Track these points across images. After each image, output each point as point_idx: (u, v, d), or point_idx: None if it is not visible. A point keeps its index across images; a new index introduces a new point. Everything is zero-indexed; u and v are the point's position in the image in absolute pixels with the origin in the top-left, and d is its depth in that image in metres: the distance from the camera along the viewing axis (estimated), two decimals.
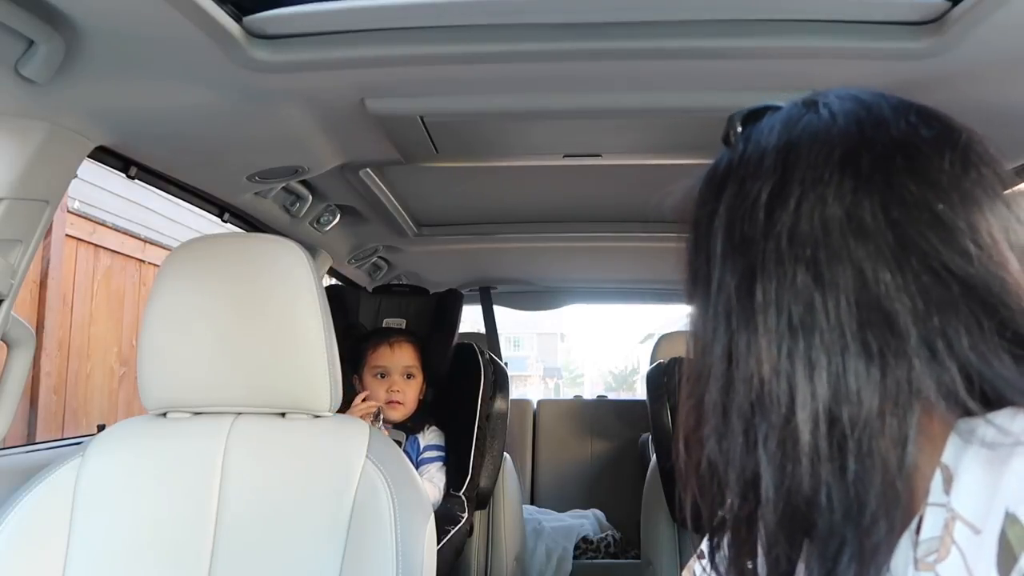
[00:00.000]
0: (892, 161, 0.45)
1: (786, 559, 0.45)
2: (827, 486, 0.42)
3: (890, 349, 0.42)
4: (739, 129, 0.52)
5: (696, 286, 0.51)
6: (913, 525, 0.43)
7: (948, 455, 0.42)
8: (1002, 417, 0.40)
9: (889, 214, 0.43)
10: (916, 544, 0.42)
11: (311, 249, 1.83)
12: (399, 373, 1.80)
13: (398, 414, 1.79)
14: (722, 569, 0.52)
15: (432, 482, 1.74)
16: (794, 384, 0.43)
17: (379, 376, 1.80)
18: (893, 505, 0.42)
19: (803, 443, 0.43)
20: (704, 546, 0.60)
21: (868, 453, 0.42)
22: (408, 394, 1.80)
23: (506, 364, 2.31)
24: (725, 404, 0.47)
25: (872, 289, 0.42)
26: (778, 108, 0.52)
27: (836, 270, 0.43)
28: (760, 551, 0.47)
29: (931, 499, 0.42)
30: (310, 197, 1.64)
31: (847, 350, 0.42)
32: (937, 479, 0.42)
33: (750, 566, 0.49)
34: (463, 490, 1.81)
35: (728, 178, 0.50)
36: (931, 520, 0.42)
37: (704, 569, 0.60)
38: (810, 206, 0.44)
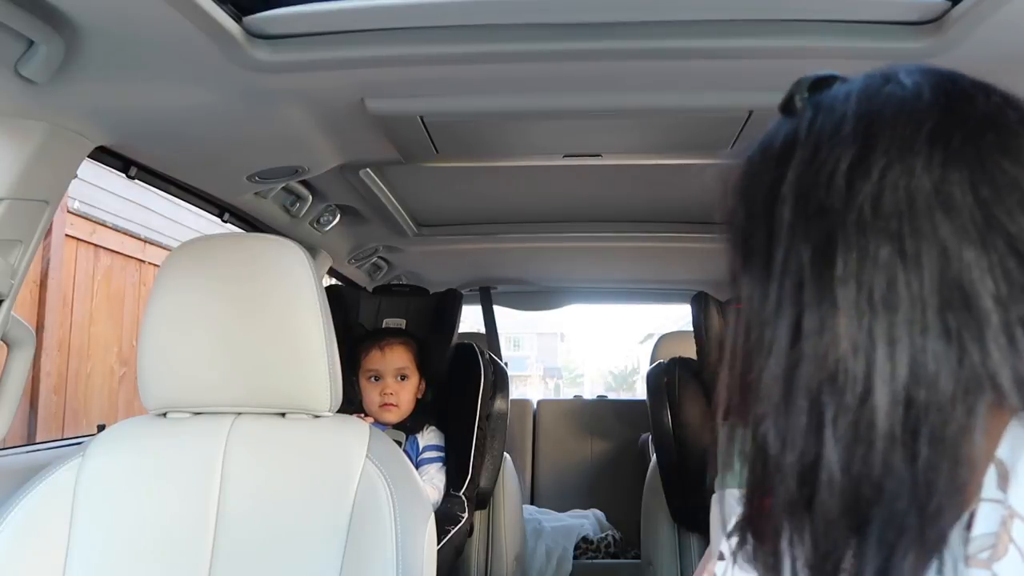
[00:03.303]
0: (983, 138, 0.43)
1: (843, 547, 0.43)
2: (898, 472, 0.41)
3: (969, 332, 0.41)
4: (806, 95, 0.50)
5: (751, 261, 0.48)
6: (964, 520, 0.42)
7: (1003, 450, 0.41)
8: None
9: (978, 192, 0.42)
10: (967, 540, 0.41)
11: (311, 249, 1.83)
12: (391, 375, 1.79)
13: (393, 416, 1.78)
14: (759, 561, 0.49)
15: (432, 483, 1.74)
16: (872, 363, 0.42)
17: (372, 379, 1.80)
18: (958, 495, 0.41)
19: (878, 425, 0.41)
20: (724, 548, 0.58)
21: (940, 440, 0.40)
22: (402, 396, 1.79)
23: (506, 364, 2.31)
24: (789, 382, 0.44)
25: (955, 268, 0.41)
26: (844, 79, 0.50)
27: (921, 245, 0.42)
28: (802, 540, 0.45)
29: (984, 494, 0.41)
30: (310, 197, 1.64)
31: (927, 331, 0.41)
32: (991, 474, 0.41)
33: (790, 557, 0.46)
34: (463, 490, 1.81)
35: (795, 146, 0.47)
36: (984, 516, 0.41)
37: (724, 572, 0.58)
38: (895, 177, 0.43)
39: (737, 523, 0.54)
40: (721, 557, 0.59)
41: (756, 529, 0.49)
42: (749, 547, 0.50)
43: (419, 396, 1.85)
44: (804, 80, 0.51)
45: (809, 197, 0.45)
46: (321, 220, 1.78)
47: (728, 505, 1.16)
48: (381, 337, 1.86)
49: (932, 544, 0.40)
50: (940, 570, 0.41)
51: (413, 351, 1.84)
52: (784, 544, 0.46)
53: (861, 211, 0.43)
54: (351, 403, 1.76)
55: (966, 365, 0.41)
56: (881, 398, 0.41)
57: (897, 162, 0.43)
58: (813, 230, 0.44)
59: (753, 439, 0.47)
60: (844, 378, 0.42)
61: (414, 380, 1.83)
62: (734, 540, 0.57)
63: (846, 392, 0.42)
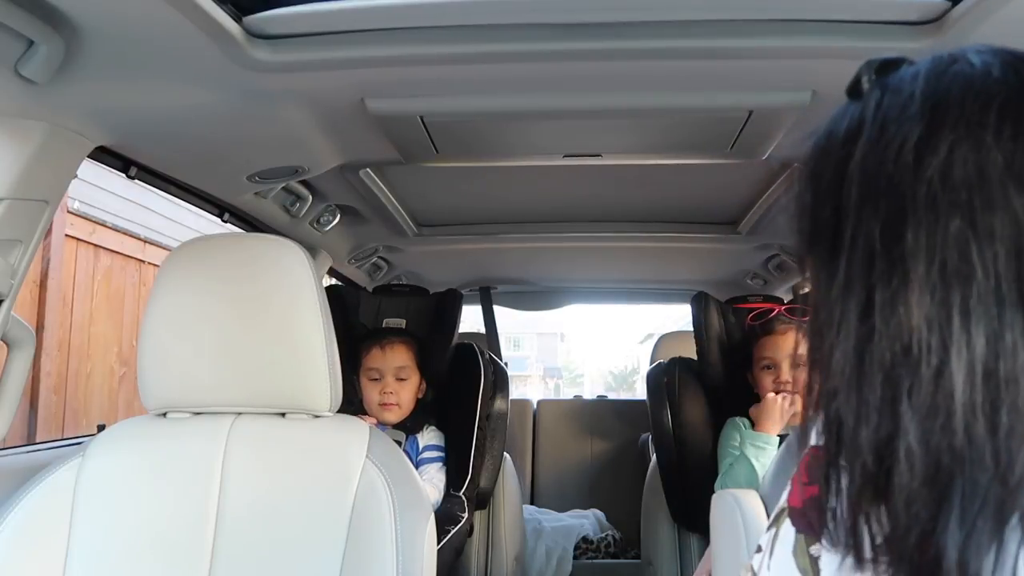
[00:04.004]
0: None
1: (924, 521, 0.42)
2: (979, 442, 0.41)
3: None
4: (873, 77, 0.51)
5: (818, 240, 0.49)
6: None
7: None
8: None
9: None
10: None
11: (311, 249, 1.83)
12: (392, 374, 1.79)
13: (393, 416, 1.78)
14: (837, 539, 0.48)
15: (432, 483, 1.74)
16: (948, 335, 0.42)
17: (372, 378, 1.80)
18: None
19: (957, 396, 0.41)
20: (763, 540, 0.58)
21: (1022, 410, 0.40)
22: (402, 395, 1.79)
23: (506, 364, 2.31)
24: (861, 356, 0.45)
25: None
26: (911, 61, 0.50)
27: (993, 218, 0.42)
28: (879, 517, 0.45)
29: None
30: (310, 197, 1.65)
31: (1004, 302, 0.41)
32: None
33: (868, 535, 0.46)
34: (463, 490, 1.81)
35: (862, 126, 0.48)
36: None
37: (760, 564, 0.58)
38: (964, 151, 0.43)
39: (788, 510, 0.54)
40: (759, 550, 0.59)
41: (828, 509, 0.48)
42: (824, 528, 0.49)
43: (420, 396, 1.85)
44: (872, 62, 0.51)
45: (877, 174, 0.45)
46: (321, 220, 1.78)
47: (745, 504, 1.16)
48: (382, 336, 1.86)
49: (1015, 518, 0.40)
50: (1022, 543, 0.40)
51: (413, 350, 1.84)
52: (862, 521, 0.45)
53: (930, 185, 0.43)
54: (351, 403, 1.76)
55: None
56: (958, 369, 0.41)
57: (966, 137, 0.43)
58: (882, 206, 0.45)
59: (825, 416, 0.47)
60: (919, 351, 0.42)
61: (414, 380, 1.82)
62: (771, 533, 0.56)
63: (921, 364, 0.42)
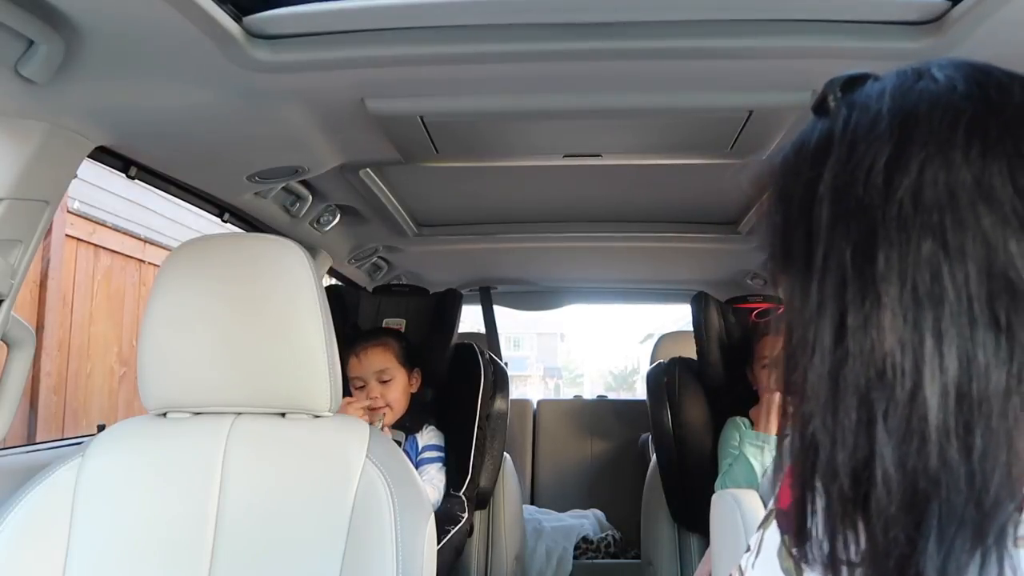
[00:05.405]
0: (1020, 127, 0.43)
1: (903, 544, 0.42)
2: (953, 465, 0.41)
3: (1019, 322, 0.41)
4: (839, 95, 0.50)
5: (791, 262, 0.49)
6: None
7: None
8: None
9: (1016, 182, 0.42)
10: (1019, 522, 0.41)
11: (311, 249, 1.83)
12: (374, 379, 1.78)
13: (388, 418, 1.77)
14: (814, 559, 0.48)
15: (431, 483, 1.74)
16: (921, 357, 0.42)
17: (358, 387, 1.79)
18: (1015, 486, 0.41)
19: (931, 419, 0.41)
20: (753, 540, 0.59)
21: (995, 431, 0.41)
22: (390, 396, 1.78)
23: (506, 364, 2.31)
24: (836, 380, 0.44)
25: (1001, 259, 0.41)
26: (876, 76, 0.50)
27: (964, 238, 0.42)
28: (857, 539, 0.45)
29: None
30: (310, 197, 1.65)
31: (976, 323, 0.41)
32: None
33: (846, 556, 0.46)
34: (463, 490, 1.81)
35: (831, 145, 0.47)
36: None
37: (747, 563, 0.58)
38: (934, 170, 0.43)
39: (775, 514, 0.54)
40: (748, 549, 0.59)
41: (805, 529, 0.48)
42: (807, 548, 0.49)
43: (414, 391, 1.84)
44: (836, 80, 0.51)
45: (847, 195, 0.45)
46: (321, 220, 1.78)
47: (745, 504, 1.16)
48: (358, 343, 1.83)
49: (995, 537, 0.40)
50: (1000, 563, 0.40)
51: (393, 350, 1.82)
52: (840, 543, 0.45)
53: (901, 206, 0.43)
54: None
55: (1018, 355, 0.40)
56: (931, 392, 0.41)
57: (936, 155, 0.43)
58: (853, 228, 0.44)
59: (801, 439, 0.47)
60: (893, 374, 0.42)
61: (400, 378, 1.80)
62: (760, 533, 0.56)
63: (896, 388, 0.42)
